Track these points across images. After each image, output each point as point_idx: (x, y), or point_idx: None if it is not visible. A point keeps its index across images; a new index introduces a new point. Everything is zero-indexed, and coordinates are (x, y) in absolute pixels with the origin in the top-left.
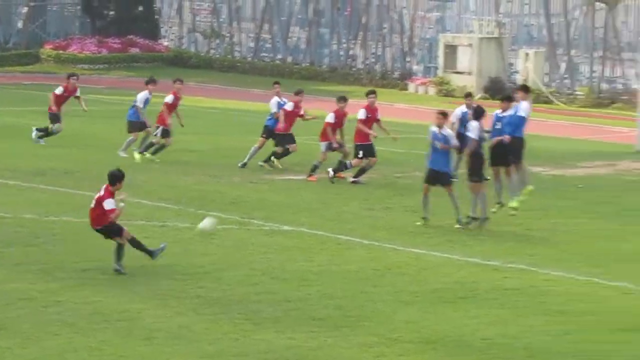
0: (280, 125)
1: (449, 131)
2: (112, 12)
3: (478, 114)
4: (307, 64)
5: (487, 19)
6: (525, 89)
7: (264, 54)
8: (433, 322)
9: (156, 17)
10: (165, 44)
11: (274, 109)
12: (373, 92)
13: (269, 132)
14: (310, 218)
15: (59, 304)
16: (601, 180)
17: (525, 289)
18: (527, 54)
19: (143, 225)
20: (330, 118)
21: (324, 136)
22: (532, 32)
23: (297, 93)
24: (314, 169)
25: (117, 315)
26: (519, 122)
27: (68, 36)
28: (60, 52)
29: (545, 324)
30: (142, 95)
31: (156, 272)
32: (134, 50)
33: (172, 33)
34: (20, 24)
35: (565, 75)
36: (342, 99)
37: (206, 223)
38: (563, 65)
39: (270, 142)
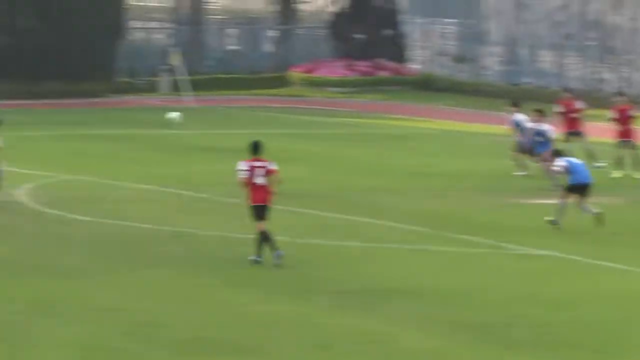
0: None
1: None
2: (359, 35)
3: None
4: (556, 88)
5: None
6: None
7: (511, 78)
8: None
9: (403, 40)
10: (413, 67)
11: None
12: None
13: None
14: (565, 242)
15: (314, 326)
16: None
17: None
18: None
19: (396, 249)
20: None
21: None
22: None
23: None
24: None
25: (371, 337)
26: None
27: (316, 59)
28: (309, 75)
29: None
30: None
31: (410, 295)
32: (382, 74)
33: (420, 56)
34: (268, 48)
35: None
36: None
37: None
38: None
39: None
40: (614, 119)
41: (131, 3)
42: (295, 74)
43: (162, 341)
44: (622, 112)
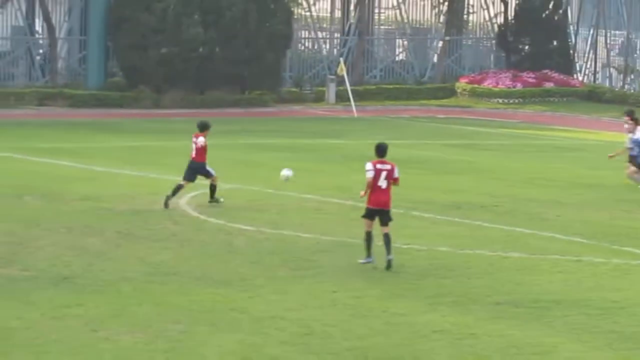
0: None
1: None
2: (527, 47)
3: None
4: None
5: None
6: None
7: None
8: None
9: (570, 51)
10: (580, 79)
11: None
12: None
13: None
14: None
15: (473, 337)
16: None
17: None
18: None
19: (557, 260)
20: None
21: None
22: None
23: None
24: None
25: (531, 348)
26: None
27: (483, 70)
28: (475, 86)
29: None
30: None
31: (570, 306)
32: (549, 85)
33: (587, 68)
34: (435, 58)
35: None
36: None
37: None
38: None
39: None
40: None
41: (299, 13)
42: (462, 84)
43: (320, 351)
44: None
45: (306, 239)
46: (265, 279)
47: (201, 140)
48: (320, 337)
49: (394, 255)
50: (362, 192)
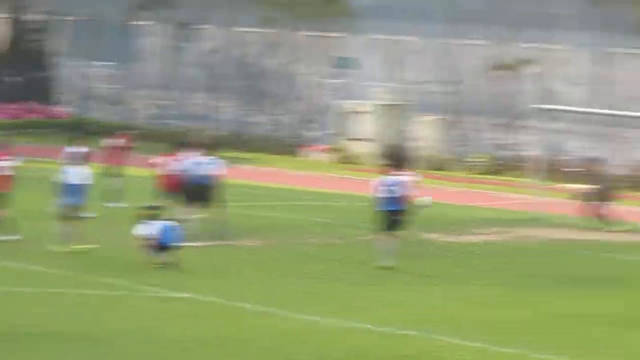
0: None
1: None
2: (9, 77)
3: None
4: (208, 130)
5: (387, 86)
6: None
7: (164, 120)
8: None
9: (55, 82)
10: (65, 109)
11: None
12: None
13: None
14: (204, 285)
15: None
16: (496, 247)
17: (420, 355)
18: (425, 121)
19: (35, 292)
20: None
21: None
22: (430, 99)
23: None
24: None
25: None
26: None
27: None
28: None
29: None
30: None
31: (49, 340)
32: (33, 117)
33: (73, 99)
34: None
35: (463, 143)
36: None
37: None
38: (460, 133)
39: None
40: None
41: None
42: None
43: None
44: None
45: None
46: None
47: None
48: None
49: None
50: None
